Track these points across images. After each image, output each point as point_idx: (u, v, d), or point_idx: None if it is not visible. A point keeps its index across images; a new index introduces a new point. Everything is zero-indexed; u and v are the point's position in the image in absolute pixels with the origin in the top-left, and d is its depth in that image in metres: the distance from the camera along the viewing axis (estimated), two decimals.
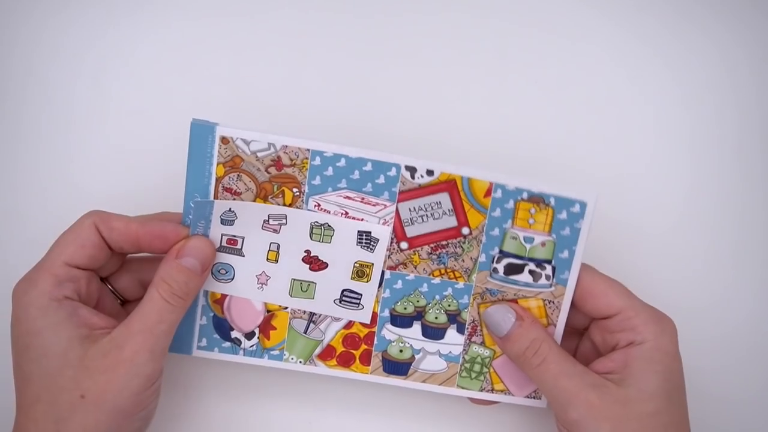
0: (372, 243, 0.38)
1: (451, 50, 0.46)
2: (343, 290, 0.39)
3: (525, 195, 0.37)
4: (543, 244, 0.38)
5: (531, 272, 0.38)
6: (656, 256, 0.45)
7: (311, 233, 0.38)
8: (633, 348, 0.36)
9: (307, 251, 0.38)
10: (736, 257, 0.46)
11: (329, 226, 0.37)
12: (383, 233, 0.37)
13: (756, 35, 0.46)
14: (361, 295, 0.39)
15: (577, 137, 0.46)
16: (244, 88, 0.45)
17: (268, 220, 0.37)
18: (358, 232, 0.37)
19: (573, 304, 0.39)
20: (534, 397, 0.40)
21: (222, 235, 0.38)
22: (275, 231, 0.38)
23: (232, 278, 0.39)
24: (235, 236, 0.38)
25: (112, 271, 0.39)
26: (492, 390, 0.40)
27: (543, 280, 0.38)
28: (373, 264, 0.38)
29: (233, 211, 0.37)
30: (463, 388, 0.40)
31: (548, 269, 0.38)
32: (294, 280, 0.39)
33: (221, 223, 0.37)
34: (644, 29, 0.46)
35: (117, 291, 0.39)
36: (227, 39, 0.45)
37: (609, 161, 0.45)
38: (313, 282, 0.38)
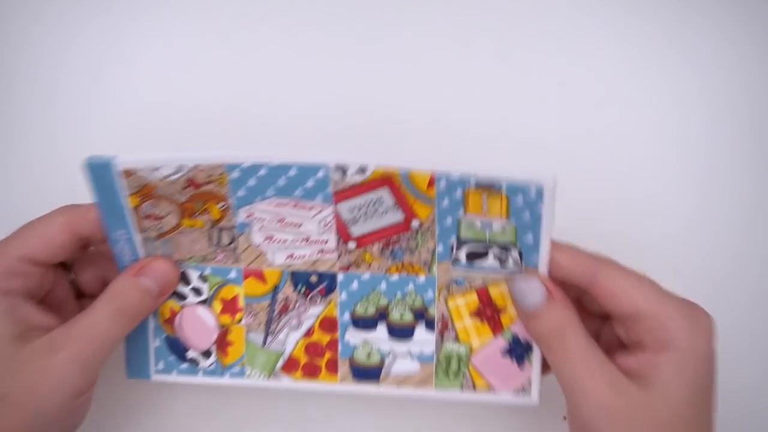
0: None
1: (447, 51, 0.44)
2: None
3: (473, 183, 0.32)
4: (503, 228, 0.33)
5: (496, 257, 0.34)
6: (656, 260, 0.41)
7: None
8: (663, 353, 0.32)
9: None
10: (737, 258, 0.44)
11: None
12: None
13: (753, 37, 0.44)
14: None
15: (575, 138, 0.44)
16: (245, 86, 0.44)
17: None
18: None
19: (594, 300, 0.34)
20: (523, 392, 0.36)
21: None
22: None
23: None
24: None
25: (76, 258, 0.37)
26: (474, 388, 0.37)
27: (511, 264, 0.34)
28: None
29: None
30: (441, 388, 0.37)
31: (514, 252, 0.34)
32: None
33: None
34: (640, 31, 0.45)
35: (77, 282, 0.37)
36: (227, 39, 0.44)
37: (608, 162, 0.44)
38: None
